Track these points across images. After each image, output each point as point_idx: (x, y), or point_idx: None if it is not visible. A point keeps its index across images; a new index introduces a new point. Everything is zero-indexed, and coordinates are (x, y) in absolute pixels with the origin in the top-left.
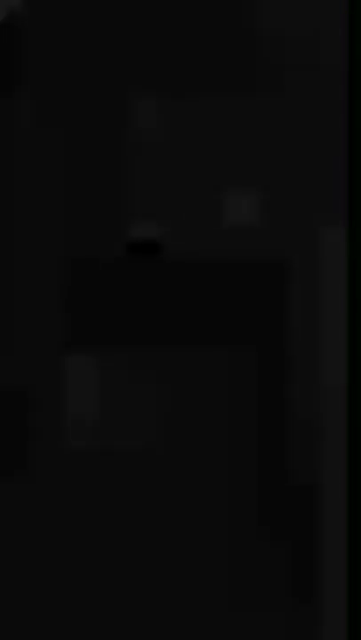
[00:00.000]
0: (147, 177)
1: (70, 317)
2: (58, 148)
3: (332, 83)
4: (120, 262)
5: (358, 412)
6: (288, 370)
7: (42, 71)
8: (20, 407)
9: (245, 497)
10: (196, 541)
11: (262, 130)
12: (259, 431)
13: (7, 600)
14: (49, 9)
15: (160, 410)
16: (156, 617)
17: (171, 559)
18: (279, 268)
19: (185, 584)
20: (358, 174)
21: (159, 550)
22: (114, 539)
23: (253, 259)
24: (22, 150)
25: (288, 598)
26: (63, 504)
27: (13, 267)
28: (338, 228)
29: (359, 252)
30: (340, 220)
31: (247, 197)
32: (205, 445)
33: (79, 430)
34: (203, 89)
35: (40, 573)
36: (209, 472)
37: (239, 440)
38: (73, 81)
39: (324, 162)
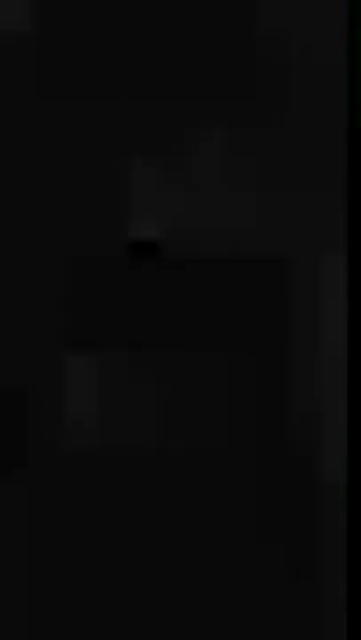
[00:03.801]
0: (147, 177)
1: (70, 317)
2: (59, 147)
3: (333, 96)
4: (120, 262)
5: (359, 412)
6: (288, 370)
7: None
8: (20, 407)
9: (246, 497)
10: (196, 541)
11: (263, 132)
12: (259, 431)
13: (6, 600)
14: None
15: (160, 410)
16: (156, 616)
17: (170, 558)
18: (280, 268)
19: (184, 583)
20: (358, 176)
21: (159, 550)
22: (113, 538)
23: (254, 259)
24: (23, 150)
25: (288, 597)
26: (62, 504)
27: (13, 266)
28: (338, 228)
29: (360, 251)
30: (340, 221)
31: (247, 197)
32: (205, 446)
33: (78, 430)
34: (203, 90)
35: (39, 574)
36: (209, 473)
37: (239, 440)
38: (77, 81)
39: (324, 162)
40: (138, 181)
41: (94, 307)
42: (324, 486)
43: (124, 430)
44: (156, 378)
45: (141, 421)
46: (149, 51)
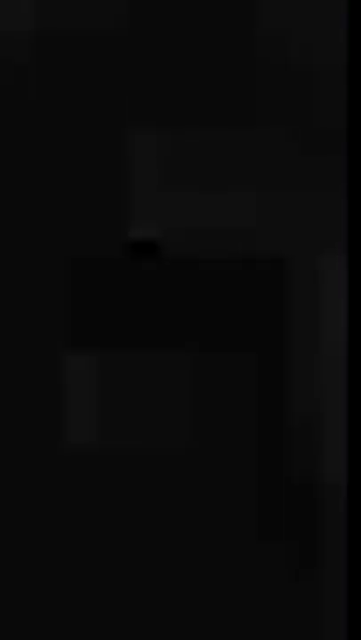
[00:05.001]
0: (147, 177)
1: (70, 317)
2: (59, 147)
3: (333, 90)
4: (120, 262)
5: (358, 412)
6: (288, 370)
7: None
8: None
9: (246, 497)
10: (196, 541)
11: (262, 129)
12: (259, 432)
13: (6, 600)
14: (56, 40)
15: (160, 410)
16: (156, 614)
17: (170, 558)
18: (279, 268)
19: (184, 583)
20: (358, 175)
21: (158, 549)
22: (114, 537)
23: (253, 259)
24: (23, 150)
25: (288, 597)
26: (63, 504)
27: (14, 266)
28: (338, 228)
29: (360, 250)
30: (340, 221)
31: (247, 197)
32: (205, 446)
33: (78, 430)
34: (202, 90)
35: (40, 574)
36: (209, 473)
37: (239, 440)
38: (76, 80)
39: (324, 161)
40: (138, 181)
41: (94, 307)
42: (324, 486)
43: (124, 430)
44: (156, 378)
45: (141, 421)
46: (149, 51)
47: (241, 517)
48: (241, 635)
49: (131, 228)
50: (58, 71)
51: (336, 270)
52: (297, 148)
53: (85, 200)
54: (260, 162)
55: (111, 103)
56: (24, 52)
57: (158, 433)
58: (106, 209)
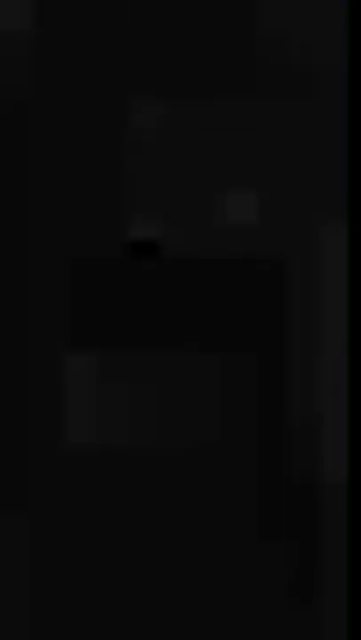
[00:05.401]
0: (146, 176)
1: (70, 317)
2: (59, 147)
3: (332, 85)
4: (120, 262)
5: (358, 412)
6: (288, 370)
7: (46, 73)
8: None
9: (245, 497)
10: (196, 542)
11: (262, 129)
12: (259, 432)
13: (7, 598)
14: (55, 12)
15: (159, 410)
16: (155, 616)
17: (169, 558)
18: (278, 268)
19: (184, 583)
20: (358, 172)
21: (158, 550)
22: (113, 538)
23: (253, 259)
24: (23, 150)
25: (288, 599)
26: (63, 504)
27: (14, 266)
28: (338, 228)
29: (360, 250)
30: (340, 221)
31: (247, 197)
32: (205, 446)
33: (78, 430)
34: (202, 89)
35: (39, 574)
36: (208, 473)
37: (239, 440)
38: (74, 80)
39: (324, 160)
40: (138, 181)
41: (94, 307)
42: (324, 486)
43: (124, 430)
44: (156, 378)
45: (141, 421)
46: (149, 51)
47: (241, 517)
48: (241, 635)
49: (131, 228)
50: (56, 73)
51: (336, 270)
52: (296, 149)
53: (85, 200)
54: (260, 163)
55: (110, 104)
56: (24, 48)
57: (158, 433)
58: (106, 209)
